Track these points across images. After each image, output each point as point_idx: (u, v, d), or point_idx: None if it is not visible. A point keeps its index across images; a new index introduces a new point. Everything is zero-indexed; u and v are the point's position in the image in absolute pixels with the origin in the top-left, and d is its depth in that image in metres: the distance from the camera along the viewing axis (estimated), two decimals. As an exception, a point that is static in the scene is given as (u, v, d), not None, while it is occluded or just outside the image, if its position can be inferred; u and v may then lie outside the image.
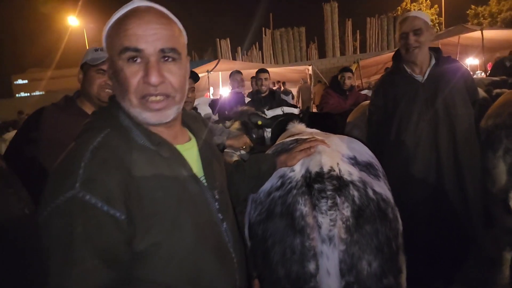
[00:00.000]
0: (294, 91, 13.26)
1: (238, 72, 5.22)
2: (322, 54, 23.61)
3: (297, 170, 1.24)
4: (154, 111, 0.93)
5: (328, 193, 1.09)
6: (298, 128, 2.46)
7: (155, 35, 0.90)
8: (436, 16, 32.06)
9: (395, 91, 2.41)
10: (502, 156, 2.23)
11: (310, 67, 14.01)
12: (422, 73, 2.37)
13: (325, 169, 1.16)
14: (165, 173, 0.92)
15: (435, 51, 2.42)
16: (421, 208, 2.27)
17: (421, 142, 2.30)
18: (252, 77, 5.11)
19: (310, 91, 13.05)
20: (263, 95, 4.47)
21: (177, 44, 0.95)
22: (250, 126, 3.18)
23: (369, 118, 2.66)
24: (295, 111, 2.88)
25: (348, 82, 4.46)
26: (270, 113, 2.87)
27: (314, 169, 1.18)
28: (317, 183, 1.13)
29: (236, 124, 3.36)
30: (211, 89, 11.86)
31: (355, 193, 1.12)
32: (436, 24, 30.47)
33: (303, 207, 1.11)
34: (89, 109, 1.88)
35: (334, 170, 1.17)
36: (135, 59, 0.90)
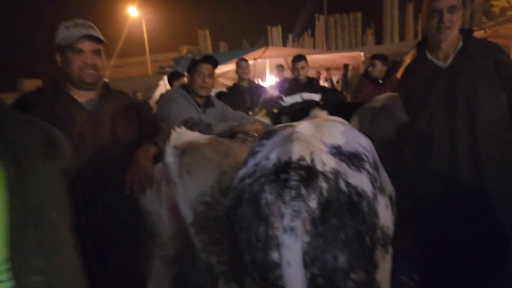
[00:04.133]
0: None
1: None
2: (379, 40, 22.45)
3: (271, 158, 1.23)
4: None
5: (292, 183, 1.08)
6: (319, 115, 2.29)
7: None
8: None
9: (415, 80, 2.23)
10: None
11: (362, 53, 13.29)
12: (447, 59, 2.12)
13: (294, 158, 1.14)
14: None
15: (465, 33, 2.12)
16: (431, 203, 2.14)
17: (436, 134, 2.10)
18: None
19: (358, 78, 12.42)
20: (301, 84, 4.31)
21: None
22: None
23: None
24: (316, 97, 2.68)
25: (375, 71, 4.15)
26: (288, 100, 2.70)
27: (283, 158, 1.16)
28: (283, 173, 1.11)
29: (262, 112, 3.25)
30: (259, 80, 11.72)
31: (324, 185, 1.10)
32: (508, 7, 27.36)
33: (269, 195, 1.11)
34: (75, 94, 1.80)
35: (304, 160, 1.13)
36: None
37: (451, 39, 2.09)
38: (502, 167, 2.05)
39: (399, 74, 4.49)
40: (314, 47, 21.28)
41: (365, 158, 1.29)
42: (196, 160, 1.78)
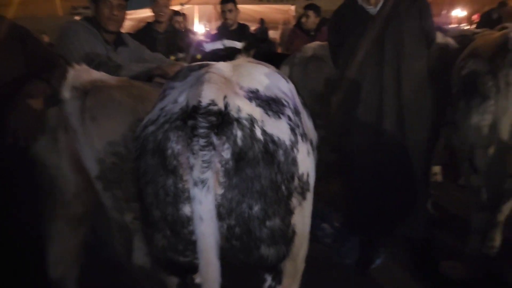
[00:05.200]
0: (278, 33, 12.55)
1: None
2: (309, -4, 22.33)
3: (179, 101, 1.10)
4: None
5: (201, 131, 0.98)
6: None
7: None
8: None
9: (344, 26, 2.17)
10: (476, 106, 1.94)
11: (293, 8, 13.12)
12: (376, 4, 2.08)
13: (203, 103, 1.01)
14: None
15: None
16: (361, 154, 2.17)
17: (365, 82, 2.08)
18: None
19: (290, 33, 12.35)
20: (231, 29, 4.00)
21: None
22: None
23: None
24: (238, 45, 2.50)
25: (308, 22, 4.06)
26: (209, 47, 2.47)
27: (192, 102, 1.02)
28: (191, 119, 1.00)
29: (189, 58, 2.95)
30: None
31: (239, 133, 1.03)
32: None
33: (175, 144, 1.02)
34: None
35: (216, 105, 1.01)
36: None
37: None
38: (421, 118, 2.12)
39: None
40: (245, -3, 20.46)
41: (285, 103, 1.23)
42: (102, 103, 1.49)
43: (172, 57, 2.73)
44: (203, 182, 0.96)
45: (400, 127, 2.08)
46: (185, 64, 2.55)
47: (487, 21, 7.11)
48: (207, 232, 0.98)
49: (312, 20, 4.12)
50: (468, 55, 2.13)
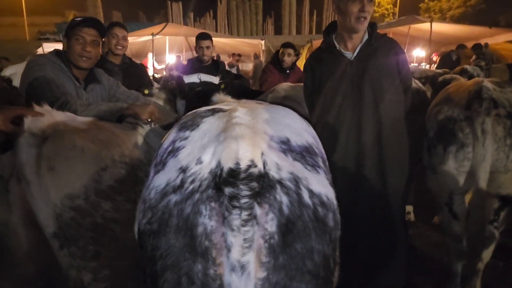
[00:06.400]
0: (249, 66, 12.73)
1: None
2: (278, 31, 23.15)
3: (206, 162, 0.88)
4: None
5: (243, 201, 0.79)
6: (224, 100, 2.01)
7: None
8: (392, 6, 32.77)
9: (322, 69, 2.14)
10: (454, 152, 1.94)
11: (263, 42, 13.47)
12: (354, 49, 2.09)
13: (242, 165, 0.82)
14: None
15: (370, 26, 2.10)
16: (341, 199, 2.08)
17: (344, 127, 2.05)
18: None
19: (262, 67, 12.59)
20: (205, 64, 3.92)
21: None
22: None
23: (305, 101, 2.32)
24: (215, 80, 2.40)
25: (288, 60, 4.07)
26: (185, 79, 2.36)
27: (227, 163, 0.83)
28: (228, 186, 0.80)
29: (162, 94, 2.82)
30: (150, 55, 10.84)
31: (284, 199, 0.83)
32: (391, 14, 31.23)
33: (208, 220, 0.81)
34: None
35: (256, 166, 0.82)
36: None
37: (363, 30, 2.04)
38: (401, 163, 2.09)
39: (300, 65, 4.50)
40: (216, 30, 20.89)
41: (316, 150, 1.05)
42: (62, 151, 1.33)
43: (146, 91, 2.59)
44: (243, 267, 0.78)
45: (380, 171, 2.04)
46: (156, 102, 2.44)
47: (446, 61, 7.57)
48: None
49: (291, 58, 4.15)
50: (443, 100, 2.16)
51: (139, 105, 1.90)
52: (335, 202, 0.95)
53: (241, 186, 0.80)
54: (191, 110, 2.17)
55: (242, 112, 1.06)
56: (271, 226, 0.81)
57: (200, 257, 0.81)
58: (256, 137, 0.92)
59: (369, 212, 2.06)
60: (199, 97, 1.98)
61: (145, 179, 1.15)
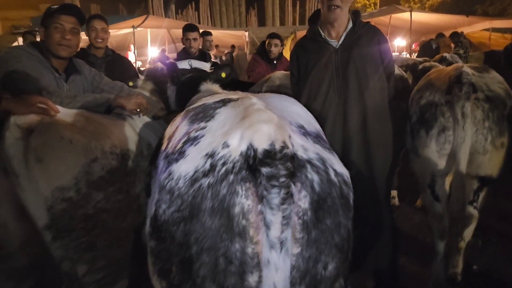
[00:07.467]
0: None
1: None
2: (261, 22, 23.03)
3: (234, 145, 0.90)
4: None
5: (282, 180, 0.82)
6: (212, 90, 2.01)
7: None
8: (372, -4, 32.98)
9: (308, 58, 2.17)
10: (435, 135, 2.00)
11: (247, 33, 13.42)
12: (338, 37, 2.12)
13: (277, 146, 0.85)
14: None
15: (354, 14, 2.15)
16: None
17: (330, 114, 2.08)
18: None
19: (246, 58, 12.53)
20: (192, 56, 3.91)
21: None
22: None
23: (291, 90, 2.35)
24: (206, 66, 2.38)
25: (275, 50, 4.10)
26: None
27: (262, 145, 0.86)
28: (265, 166, 0.83)
29: (148, 84, 2.79)
30: (132, 47, 10.67)
31: (315, 177, 0.88)
32: (372, 4, 31.45)
33: (245, 199, 0.84)
34: None
35: (288, 147, 0.86)
36: None
37: (342, 19, 2.07)
38: (386, 148, 2.15)
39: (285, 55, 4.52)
40: (199, 22, 20.63)
41: (323, 137, 1.11)
42: (49, 142, 1.32)
43: (131, 83, 2.55)
44: (283, 243, 0.80)
45: (366, 156, 2.09)
46: (142, 92, 2.41)
47: (426, 50, 7.71)
48: None
49: (278, 48, 4.16)
50: (424, 86, 2.22)
51: (126, 96, 1.89)
52: (350, 182, 1.03)
53: (280, 166, 0.83)
54: (181, 97, 2.16)
55: (255, 99, 1.09)
56: (304, 203, 0.86)
57: (238, 236, 0.84)
58: (280, 121, 0.96)
59: (355, 195, 2.11)
60: (188, 84, 1.97)
61: (153, 171, 1.17)
